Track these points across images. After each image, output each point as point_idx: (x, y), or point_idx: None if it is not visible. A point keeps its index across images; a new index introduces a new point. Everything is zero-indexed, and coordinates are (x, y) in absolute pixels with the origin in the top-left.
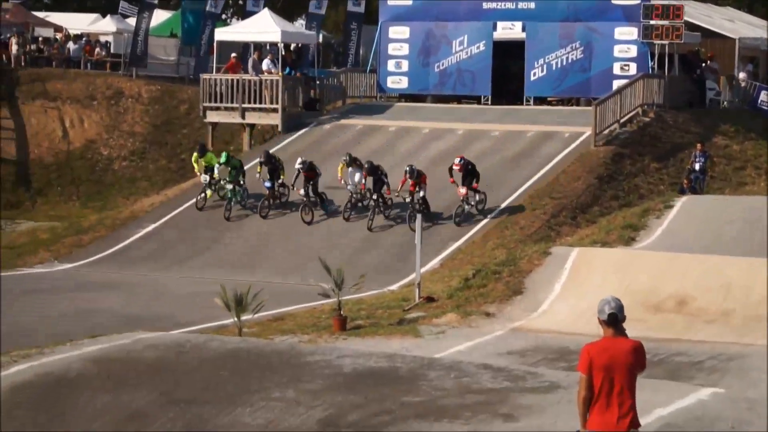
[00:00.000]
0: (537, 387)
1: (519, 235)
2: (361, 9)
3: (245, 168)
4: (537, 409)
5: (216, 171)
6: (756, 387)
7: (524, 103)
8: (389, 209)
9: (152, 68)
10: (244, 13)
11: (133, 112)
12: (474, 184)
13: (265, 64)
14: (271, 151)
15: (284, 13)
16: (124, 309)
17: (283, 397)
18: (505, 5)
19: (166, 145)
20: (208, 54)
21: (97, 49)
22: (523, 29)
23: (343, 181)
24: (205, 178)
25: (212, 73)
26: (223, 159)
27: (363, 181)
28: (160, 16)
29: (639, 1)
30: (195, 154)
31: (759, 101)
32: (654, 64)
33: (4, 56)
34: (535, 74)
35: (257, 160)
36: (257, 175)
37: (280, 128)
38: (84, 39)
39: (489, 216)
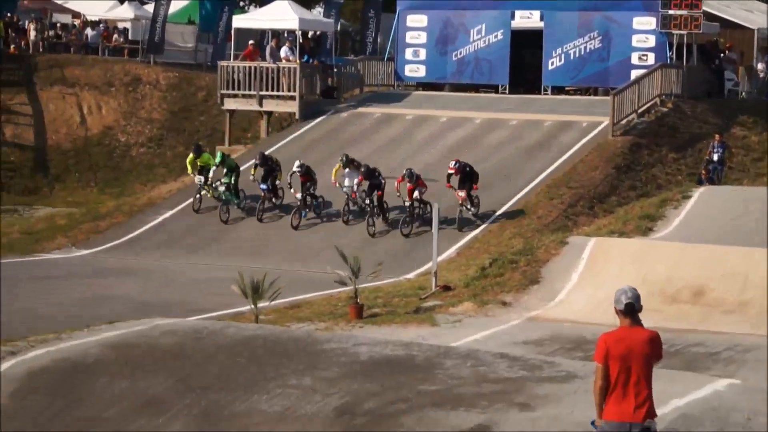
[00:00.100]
0: (553, 376)
1: (536, 224)
2: None
3: (241, 168)
4: (553, 398)
5: (212, 172)
6: None
7: (542, 92)
8: (387, 212)
9: (170, 55)
10: (262, 0)
11: (150, 99)
12: (474, 186)
13: (283, 51)
14: (267, 153)
15: (302, 0)
16: (141, 295)
17: (300, 385)
18: None
19: (184, 132)
20: (225, 41)
21: (115, 36)
22: (541, 18)
23: (337, 184)
24: (199, 179)
25: (230, 60)
26: (218, 159)
27: (355, 188)
28: (177, 3)
29: None
30: (190, 155)
31: None
32: (672, 54)
33: (22, 42)
34: (552, 63)
35: (252, 162)
36: (251, 177)
37: (297, 116)
38: (102, 25)
39: (505, 206)
